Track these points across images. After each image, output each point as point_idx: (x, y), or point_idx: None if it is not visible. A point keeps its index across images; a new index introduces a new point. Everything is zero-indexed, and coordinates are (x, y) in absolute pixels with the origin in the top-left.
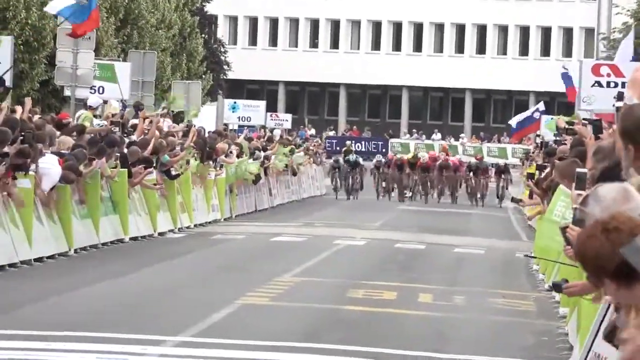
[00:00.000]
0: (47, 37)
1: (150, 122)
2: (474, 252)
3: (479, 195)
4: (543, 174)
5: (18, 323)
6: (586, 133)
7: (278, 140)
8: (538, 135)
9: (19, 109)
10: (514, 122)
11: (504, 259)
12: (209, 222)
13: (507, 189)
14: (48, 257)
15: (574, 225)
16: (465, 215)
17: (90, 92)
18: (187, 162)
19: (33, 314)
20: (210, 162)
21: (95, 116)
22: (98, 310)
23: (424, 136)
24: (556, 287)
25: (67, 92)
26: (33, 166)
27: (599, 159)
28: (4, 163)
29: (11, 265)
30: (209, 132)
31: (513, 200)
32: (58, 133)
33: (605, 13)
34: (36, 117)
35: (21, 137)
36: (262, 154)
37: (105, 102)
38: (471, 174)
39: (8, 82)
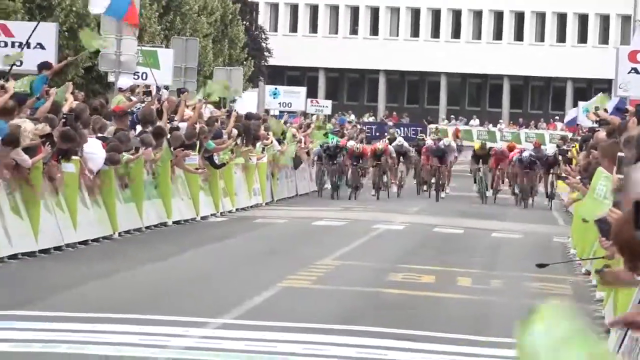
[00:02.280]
0: (91, 24)
1: (193, 108)
2: (511, 237)
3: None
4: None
5: (63, 305)
6: (617, 121)
7: (314, 125)
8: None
9: (69, 97)
10: (567, 117)
11: (541, 244)
12: (251, 207)
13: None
14: (93, 240)
15: (614, 207)
16: (503, 200)
17: (134, 78)
18: (232, 151)
19: (78, 296)
20: (252, 147)
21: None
22: (141, 293)
23: (462, 122)
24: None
25: (110, 78)
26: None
27: (629, 148)
28: (50, 145)
29: (57, 248)
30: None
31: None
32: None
33: None
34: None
35: (63, 120)
36: (300, 136)
37: (138, 85)
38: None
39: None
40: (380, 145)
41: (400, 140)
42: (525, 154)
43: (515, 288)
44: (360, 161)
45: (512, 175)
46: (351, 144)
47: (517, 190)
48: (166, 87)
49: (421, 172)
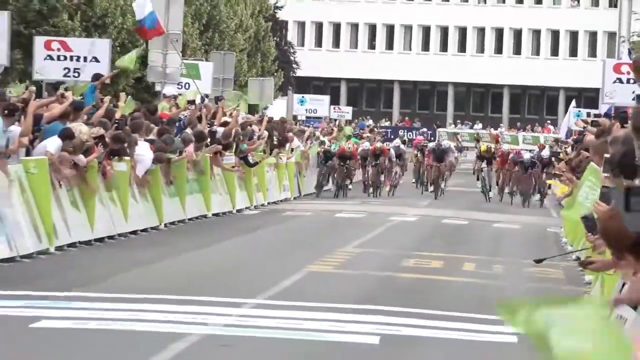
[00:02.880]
0: (140, 39)
1: (230, 114)
2: (511, 227)
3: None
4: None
5: (116, 288)
6: (607, 123)
7: (338, 129)
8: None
9: (121, 104)
10: (563, 127)
11: (538, 234)
12: (281, 201)
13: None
14: (141, 231)
15: (601, 201)
16: (507, 197)
17: (178, 88)
18: (264, 151)
19: (128, 279)
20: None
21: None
22: (184, 277)
23: (466, 126)
24: (581, 263)
25: (157, 88)
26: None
27: (614, 147)
28: (102, 146)
29: (110, 237)
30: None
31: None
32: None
33: (625, 19)
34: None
35: (116, 125)
36: (325, 138)
37: (180, 94)
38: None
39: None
40: (378, 144)
41: (397, 141)
42: (527, 155)
43: (514, 273)
44: (349, 162)
45: (515, 177)
46: (349, 146)
47: (514, 189)
48: (206, 96)
49: (424, 171)
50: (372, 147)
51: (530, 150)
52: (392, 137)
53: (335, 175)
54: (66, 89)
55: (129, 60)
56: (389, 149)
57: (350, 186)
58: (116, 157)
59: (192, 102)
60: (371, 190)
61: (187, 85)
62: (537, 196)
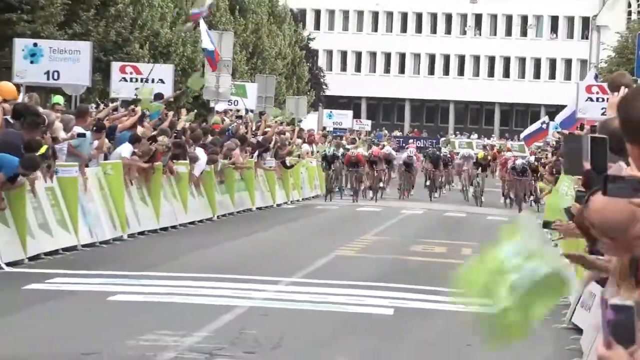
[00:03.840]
0: (198, 65)
1: (270, 125)
2: (501, 219)
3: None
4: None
5: (178, 268)
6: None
7: (361, 139)
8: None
9: (182, 117)
10: (523, 134)
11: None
12: (313, 197)
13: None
14: (198, 221)
15: (576, 202)
16: (496, 193)
17: (228, 104)
18: (299, 156)
19: (187, 261)
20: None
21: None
22: (233, 259)
23: (464, 136)
24: (545, 224)
25: (212, 105)
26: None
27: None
28: (168, 152)
29: (173, 227)
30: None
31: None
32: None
33: (595, 48)
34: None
35: (175, 134)
36: (349, 146)
37: (231, 110)
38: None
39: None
40: (354, 152)
41: (388, 148)
42: (518, 162)
43: None
44: (358, 168)
45: (508, 181)
46: (353, 152)
47: (512, 195)
48: (251, 111)
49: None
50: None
51: (523, 157)
52: (404, 144)
53: (348, 182)
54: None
55: (199, 83)
56: (363, 156)
57: (378, 190)
58: (177, 160)
59: (239, 117)
60: (371, 195)
61: (236, 102)
62: (531, 199)
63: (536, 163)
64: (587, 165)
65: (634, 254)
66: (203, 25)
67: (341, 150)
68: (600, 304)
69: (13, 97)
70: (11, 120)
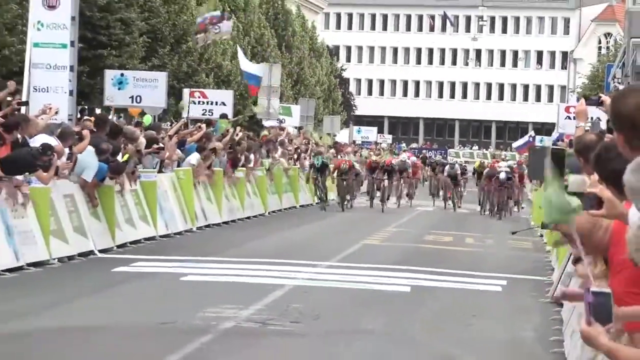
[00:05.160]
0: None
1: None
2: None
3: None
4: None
5: (237, 254)
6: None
7: (385, 150)
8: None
9: (238, 133)
10: (514, 145)
11: (514, 219)
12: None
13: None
14: (253, 217)
15: None
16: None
17: (276, 121)
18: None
19: (245, 249)
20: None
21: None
22: (280, 246)
23: (467, 148)
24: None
25: (264, 123)
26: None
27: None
28: (227, 160)
29: (232, 221)
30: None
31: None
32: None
33: (572, 77)
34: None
35: (230, 146)
36: (375, 157)
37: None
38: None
39: (230, 117)
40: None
41: (404, 156)
42: (502, 175)
43: (499, 244)
44: (347, 176)
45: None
46: (375, 160)
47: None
48: (295, 127)
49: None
50: (368, 161)
51: (508, 166)
52: (419, 155)
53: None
54: (205, 122)
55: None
56: (353, 164)
57: (352, 201)
58: (235, 166)
59: (282, 128)
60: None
61: (283, 120)
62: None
63: (518, 170)
64: (548, 173)
65: (603, 254)
66: (242, 56)
67: (329, 160)
68: (583, 291)
69: (136, 114)
70: (94, 129)
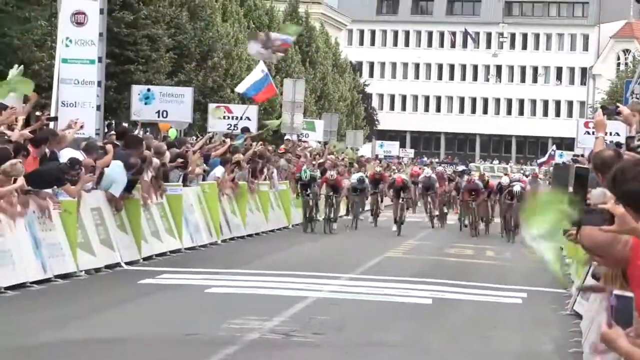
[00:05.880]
0: (277, 106)
1: (331, 153)
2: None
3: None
4: None
5: (260, 266)
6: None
7: (407, 165)
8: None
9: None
10: (540, 160)
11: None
12: (365, 211)
13: None
14: (277, 230)
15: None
16: None
17: (300, 137)
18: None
19: (267, 261)
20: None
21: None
22: (303, 259)
23: (488, 162)
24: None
25: (287, 137)
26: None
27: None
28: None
29: (257, 233)
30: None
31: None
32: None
33: (591, 92)
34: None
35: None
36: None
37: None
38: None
39: (254, 131)
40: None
41: (428, 171)
42: (516, 187)
43: (519, 257)
44: (379, 187)
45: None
46: (331, 174)
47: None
48: (319, 142)
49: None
50: (371, 173)
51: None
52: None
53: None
54: (230, 137)
55: (276, 123)
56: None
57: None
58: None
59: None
60: (371, 219)
61: (306, 134)
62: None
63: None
64: (570, 189)
65: (622, 268)
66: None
67: (318, 173)
68: (606, 294)
69: (166, 129)
70: (117, 143)
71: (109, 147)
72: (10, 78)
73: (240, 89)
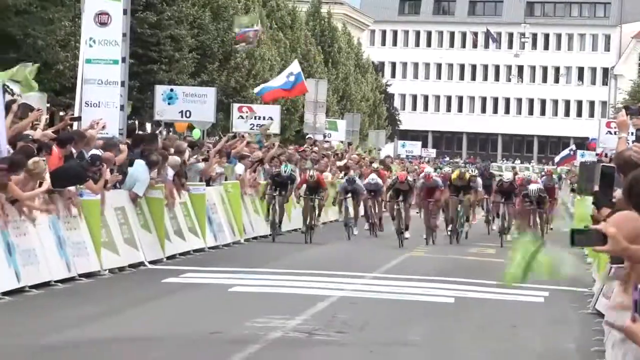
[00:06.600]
0: (300, 106)
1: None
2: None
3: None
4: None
5: (283, 265)
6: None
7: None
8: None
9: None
10: (556, 158)
11: (561, 238)
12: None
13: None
14: (299, 229)
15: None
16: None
17: (323, 135)
18: None
19: (290, 260)
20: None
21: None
22: (327, 258)
23: (510, 162)
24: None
25: (308, 136)
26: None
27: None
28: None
29: (278, 234)
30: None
31: None
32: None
33: (613, 92)
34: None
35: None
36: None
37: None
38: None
39: (277, 131)
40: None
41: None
42: (533, 187)
43: None
44: (317, 194)
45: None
46: (311, 174)
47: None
48: (341, 141)
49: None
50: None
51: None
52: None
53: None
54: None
55: (270, 126)
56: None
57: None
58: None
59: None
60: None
61: (329, 134)
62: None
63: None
64: (596, 187)
65: None
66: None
67: (297, 169)
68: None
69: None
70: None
71: (123, 147)
72: (19, 69)
73: (259, 90)
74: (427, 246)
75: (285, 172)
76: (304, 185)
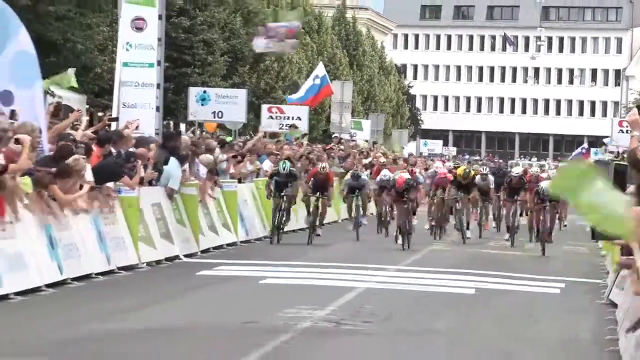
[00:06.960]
0: (327, 106)
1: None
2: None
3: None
4: None
5: (312, 258)
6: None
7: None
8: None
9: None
10: (570, 157)
11: (574, 231)
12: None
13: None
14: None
15: None
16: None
17: (349, 135)
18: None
19: (320, 253)
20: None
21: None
22: (353, 252)
23: (527, 159)
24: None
25: (334, 135)
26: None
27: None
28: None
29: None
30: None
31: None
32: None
33: (625, 93)
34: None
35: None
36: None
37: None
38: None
39: (306, 130)
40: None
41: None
42: (545, 183)
43: (555, 251)
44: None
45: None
46: (323, 166)
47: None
48: (366, 141)
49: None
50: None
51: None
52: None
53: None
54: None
55: (298, 133)
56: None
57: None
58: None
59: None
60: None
61: (354, 134)
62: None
63: None
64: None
65: None
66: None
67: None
68: None
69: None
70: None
71: (152, 145)
72: (62, 77)
73: (294, 97)
74: (445, 241)
75: (284, 169)
76: (312, 179)
